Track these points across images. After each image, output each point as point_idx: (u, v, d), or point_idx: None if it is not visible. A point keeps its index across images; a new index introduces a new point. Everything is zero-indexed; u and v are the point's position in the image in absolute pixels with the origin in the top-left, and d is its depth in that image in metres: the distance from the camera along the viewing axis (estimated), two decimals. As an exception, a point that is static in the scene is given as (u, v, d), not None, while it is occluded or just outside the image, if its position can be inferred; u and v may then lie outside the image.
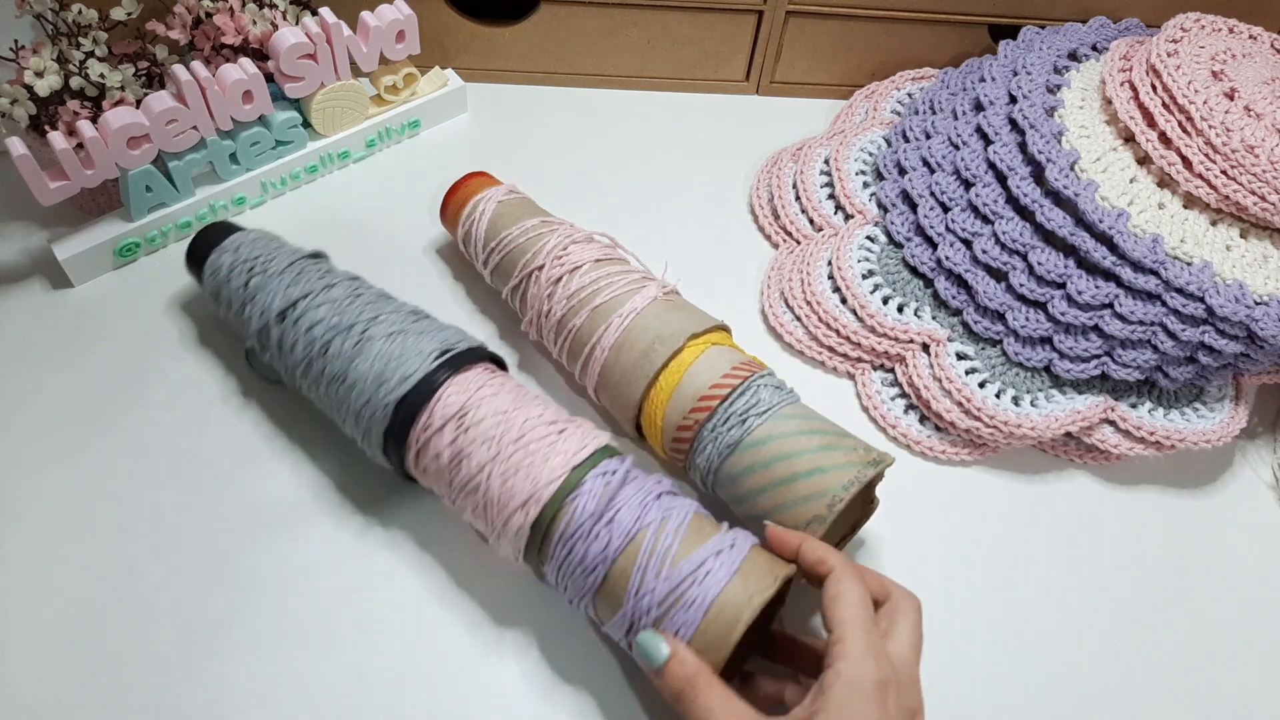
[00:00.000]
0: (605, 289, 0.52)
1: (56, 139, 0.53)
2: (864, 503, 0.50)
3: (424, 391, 0.46)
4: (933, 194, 0.59)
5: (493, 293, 0.60)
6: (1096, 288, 0.53)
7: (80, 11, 0.56)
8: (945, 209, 0.59)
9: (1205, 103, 0.54)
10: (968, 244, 0.57)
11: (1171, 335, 0.53)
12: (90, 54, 0.56)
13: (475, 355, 0.49)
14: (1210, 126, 0.53)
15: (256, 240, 0.54)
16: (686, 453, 0.49)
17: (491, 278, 0.57)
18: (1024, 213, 0.56)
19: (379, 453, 0.48)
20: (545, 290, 0.53)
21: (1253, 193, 0.53)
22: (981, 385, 0.56)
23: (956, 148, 0.60)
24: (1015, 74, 0.61)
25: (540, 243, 0.54)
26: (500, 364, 0.51)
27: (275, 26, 0.59)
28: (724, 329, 0.53)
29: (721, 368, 0.49)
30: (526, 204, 0.58)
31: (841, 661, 0.37)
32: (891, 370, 0.59)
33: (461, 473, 0.45)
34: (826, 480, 0.45)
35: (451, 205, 0.59)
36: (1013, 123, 0.58)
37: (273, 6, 0.60)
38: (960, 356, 0.57)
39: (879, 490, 0.50)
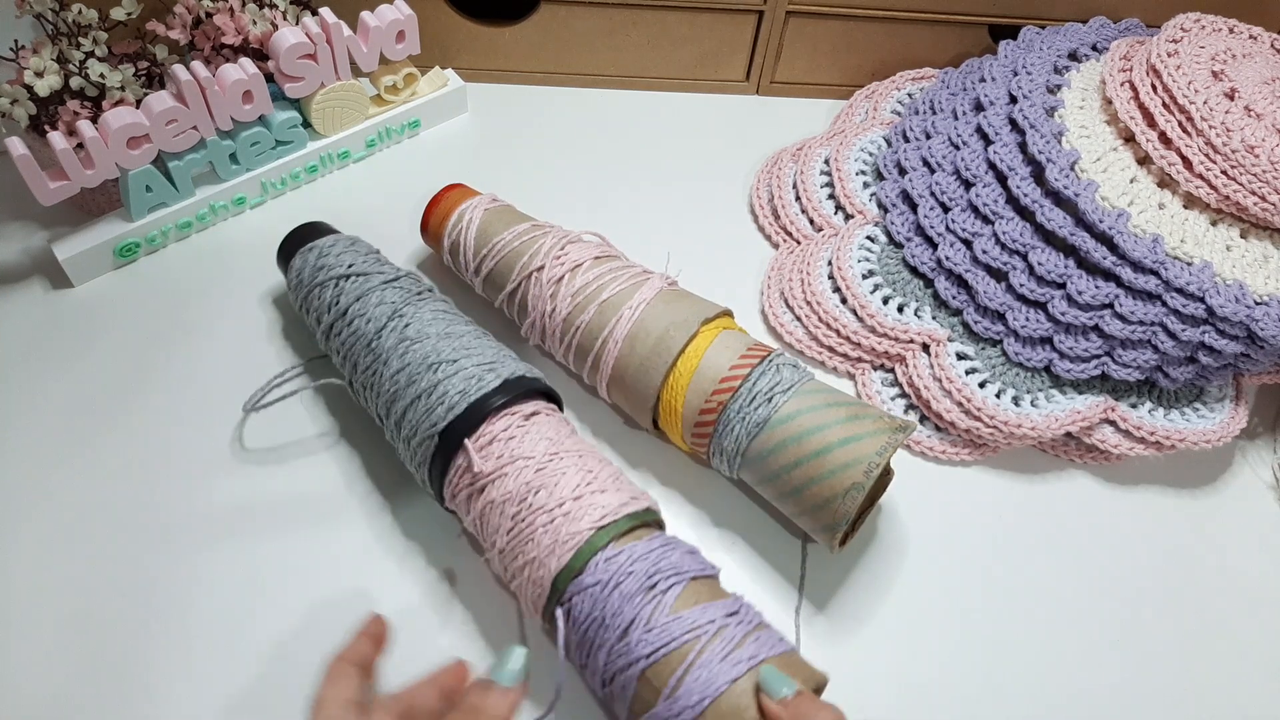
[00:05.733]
0: (610, 283, 0.52)
1: (56, 139, 0.53)
2: (882, 474, 0.50)
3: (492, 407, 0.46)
4: (933, 194, 0.59)
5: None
6: (1096, 288, 0.53)
7: (80, 11, 0.56)
8: (945, 209, 0.59)
9: (1205, 103, 0.54)
10: (968, 244, 0.57)
11: (1172, 335, 0.53)
12: (90, 54, 0.56)
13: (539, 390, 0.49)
14: (1210, 126, 0.53)
15: (357, 245, 0.56)
16: (709, 437, 0.49)
17: (484, 286, 0.57)
18: (1024, 213, 0.56)
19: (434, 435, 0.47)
20: (548, 290, 0.53)
21: (1253, 193, 0.53)
22: (981, 385, 0.56)
23: (956, 148, 0.60)
24: (1015, 74, 0.61)
25: (536, 244, 0.54)
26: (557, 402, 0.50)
27: (275, 26, 0.59)
28: (729, 314, 0.54)
29: (738, 349, 0.50)
30: (511, 211, 0.58)
31: None
32: (891, 370, 0.59)
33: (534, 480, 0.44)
34: (861, 448, 0.46)
35: (434, 218, 0.58)
36: (1013, 123, 0.58)
37: (273, 6, 0.60)
38: (960, 356, 0.57)
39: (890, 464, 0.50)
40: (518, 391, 0.47)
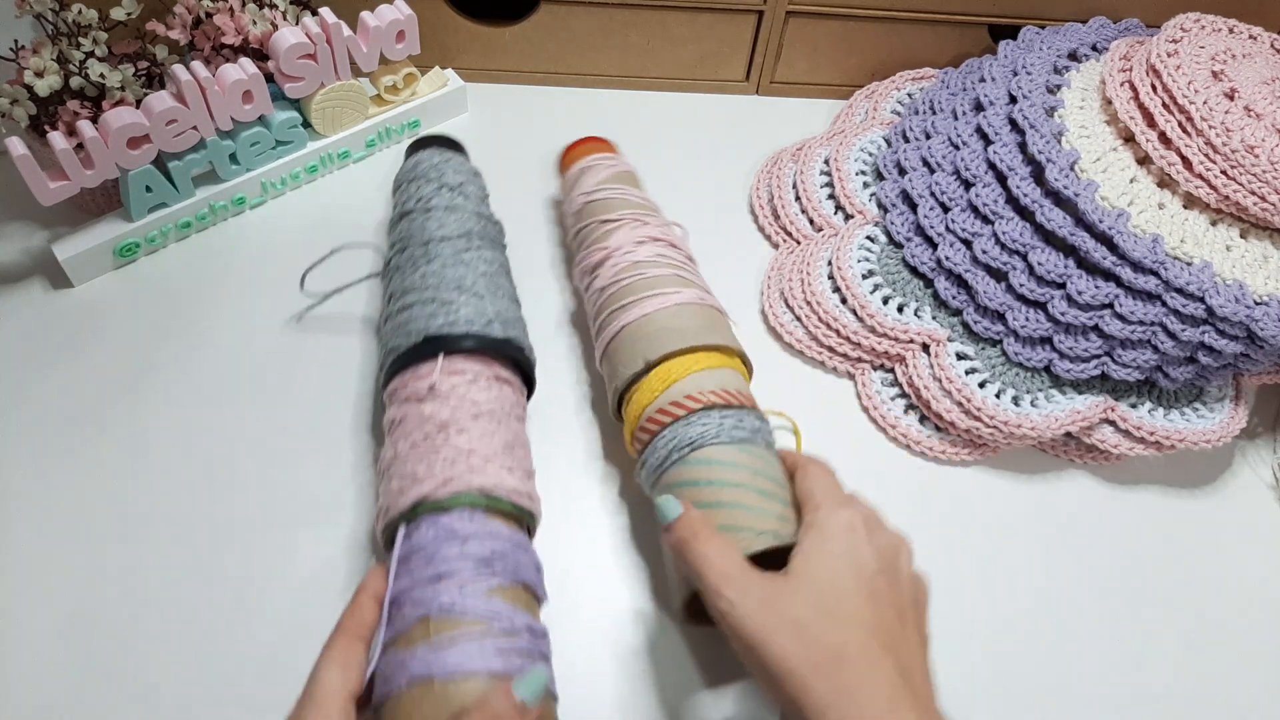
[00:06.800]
0: (660, 269, 0.53)
1: (56, 139, 0.53)
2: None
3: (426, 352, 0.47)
4: (933, 194, 0.59)
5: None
6: (1096, 288, 0.53)
7: (80, 11, 0.56)
8: (945, 209, 0.59)
9: (1205, 103, 0.54)
10: (968, 244, 0.57)
11: (1171, 335, 0.53)
12: (90, 54, 0.56)
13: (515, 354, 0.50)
14: (1210, 127, 0.53)
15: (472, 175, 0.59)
16: (641, 451, 0.49)
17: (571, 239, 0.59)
18: (1024, 213, 0.56)
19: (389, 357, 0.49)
20: (585, 282, 0.55)
21: (1253, 193, 0.53)
22: (981, 385, 0.56)
23: (956, 148, 0.60)
24: (1015, 74, 0.61)
25: (610, 237, 0.56)
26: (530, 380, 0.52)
27: (275, 26, 0.59)
28: (745, 361, 0.51)
29: (711, 386, 0.48)
30: (629, 177, 0.60)
31: (813, 513, 0.41)
32: (891, 370, 0.59)
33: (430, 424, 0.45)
34: (746, 520, 0.43)
35: (566, 160, 0.63)
36: (1013, 123, 0.58)
37: (273, 6, 0.60)
38: (960, 356, 0.57)
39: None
40: (508, 355, 0.49)
